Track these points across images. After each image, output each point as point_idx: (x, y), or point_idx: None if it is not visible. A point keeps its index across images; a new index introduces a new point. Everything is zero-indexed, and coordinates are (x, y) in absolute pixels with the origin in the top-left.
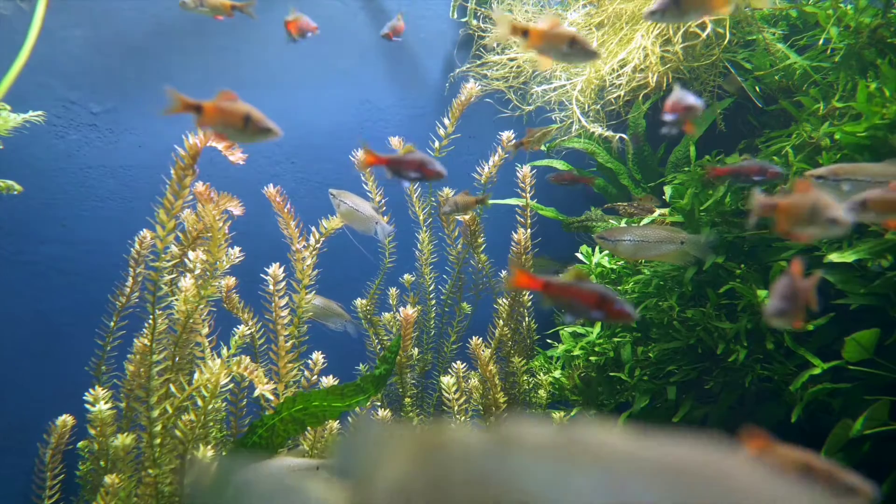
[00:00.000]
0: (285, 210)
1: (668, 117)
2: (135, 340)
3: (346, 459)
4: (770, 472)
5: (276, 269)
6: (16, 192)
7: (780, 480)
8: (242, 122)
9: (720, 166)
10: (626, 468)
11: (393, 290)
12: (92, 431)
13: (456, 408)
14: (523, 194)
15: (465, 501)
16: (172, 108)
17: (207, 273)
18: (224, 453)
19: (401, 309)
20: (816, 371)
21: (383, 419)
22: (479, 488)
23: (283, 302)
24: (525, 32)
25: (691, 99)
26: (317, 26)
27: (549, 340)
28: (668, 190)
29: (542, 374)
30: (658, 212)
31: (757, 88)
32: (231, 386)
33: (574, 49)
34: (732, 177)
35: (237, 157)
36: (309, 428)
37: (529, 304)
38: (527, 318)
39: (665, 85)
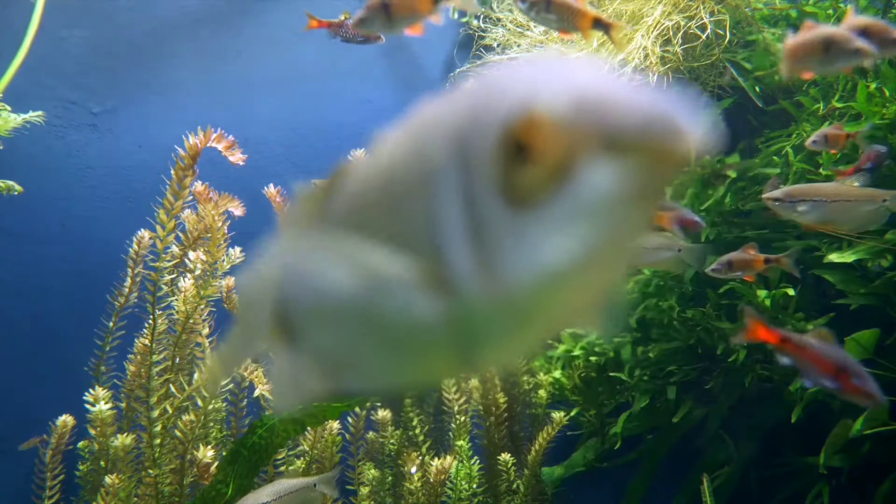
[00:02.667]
0: (286, 210)
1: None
2: (135, 341)
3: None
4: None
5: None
6: (16, 193)
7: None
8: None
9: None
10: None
11: None
12: (92, 431)
13: (456, 408)
14: None
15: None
16: None
17: (207, 273)
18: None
19: None
20: None
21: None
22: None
23: None
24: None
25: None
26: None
27: (549, 340)
28: (667, 189)
29: (542, 374)
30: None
31: (757, 88)
32: (231, 386)
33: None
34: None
35: (237, 157)
36: (309, 428)
37: None
38: None
39: (665, 85)
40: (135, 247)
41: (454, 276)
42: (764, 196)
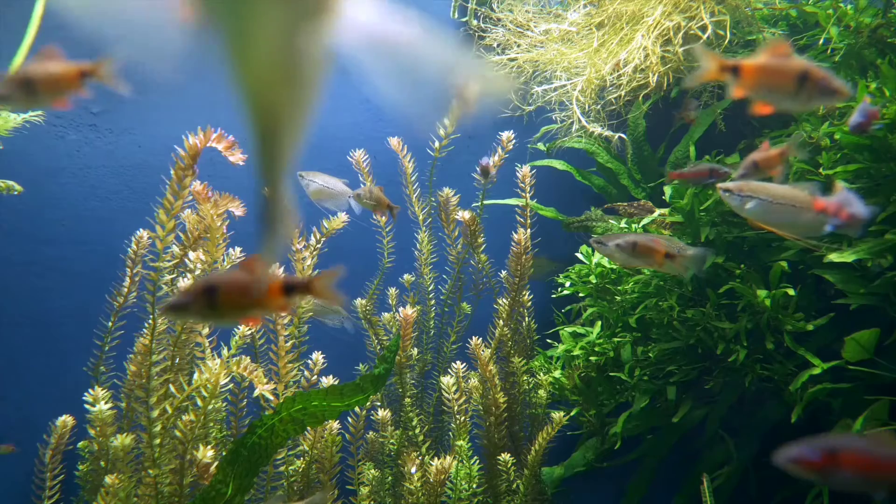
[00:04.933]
0: None
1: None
2: (135, 341)
3: None
4: None
5: (276, 270)
6: (16, 193)
7: None
8: (796, 84)
9: None
10: None
11: (392, 290)
12: (92, 431)
13: (456, 408)
14: (523, 194)
15: None
16: (705, 75)
17: (207, 273)
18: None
19: (400, 309)
20: (816, 371)
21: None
22: None
23: None
24: None
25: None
26: None
27: (549, 340)
28: (668, 190)
29: (542, 374)
30: (658, 212)
31: None
32: (231, 386)
33: None
34: None
35: (237, 157)
36: (308, 428)
37: (529, 304)
38: (527, 318)
39: (665, 85)
40: (134, 247)
41: None
42: (719, 186)
